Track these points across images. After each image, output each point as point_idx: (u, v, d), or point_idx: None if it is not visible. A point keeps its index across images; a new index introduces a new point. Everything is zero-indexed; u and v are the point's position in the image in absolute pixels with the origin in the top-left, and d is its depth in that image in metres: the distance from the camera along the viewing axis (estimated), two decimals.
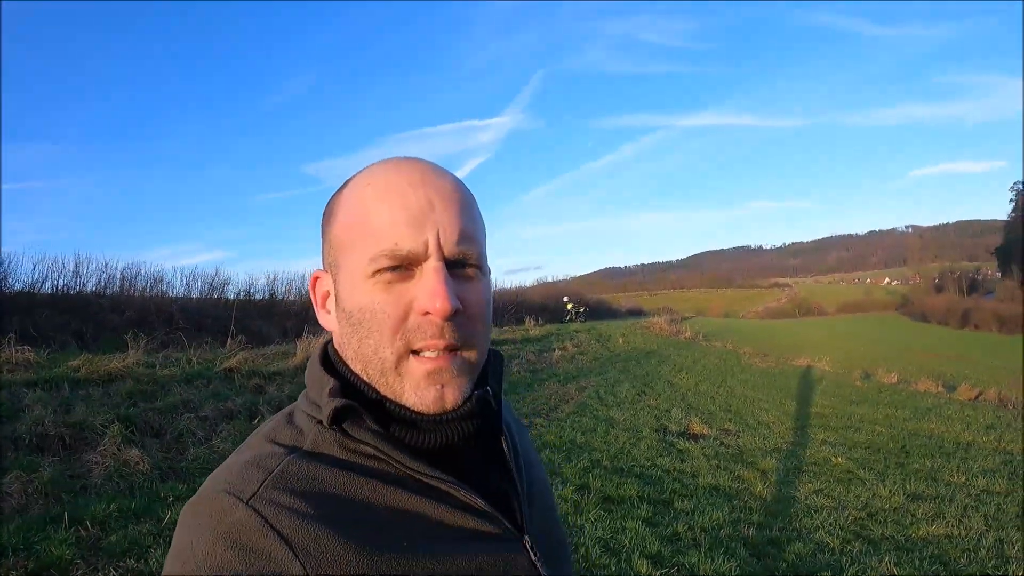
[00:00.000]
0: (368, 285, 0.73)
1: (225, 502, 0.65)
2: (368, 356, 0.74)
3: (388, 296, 0.72)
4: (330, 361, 0.81)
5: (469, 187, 0.82)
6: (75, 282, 12.86)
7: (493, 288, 0.80)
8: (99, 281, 13.44)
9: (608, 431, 8.63)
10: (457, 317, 0.73)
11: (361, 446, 0.72)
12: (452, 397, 0.74)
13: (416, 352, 0.73)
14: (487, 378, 0.84)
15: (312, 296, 0.84)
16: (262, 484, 0.66)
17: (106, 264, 13.68)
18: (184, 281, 15.58)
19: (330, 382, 0.74)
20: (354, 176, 0.80)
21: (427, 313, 0.72)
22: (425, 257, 0.73)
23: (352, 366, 0.77)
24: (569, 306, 34.85)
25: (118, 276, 13.83)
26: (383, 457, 0.72)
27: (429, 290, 0.71)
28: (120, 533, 4.14)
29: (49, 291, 12.25)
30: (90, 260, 13.32)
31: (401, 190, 0.74)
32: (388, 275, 0.72)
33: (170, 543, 0.67)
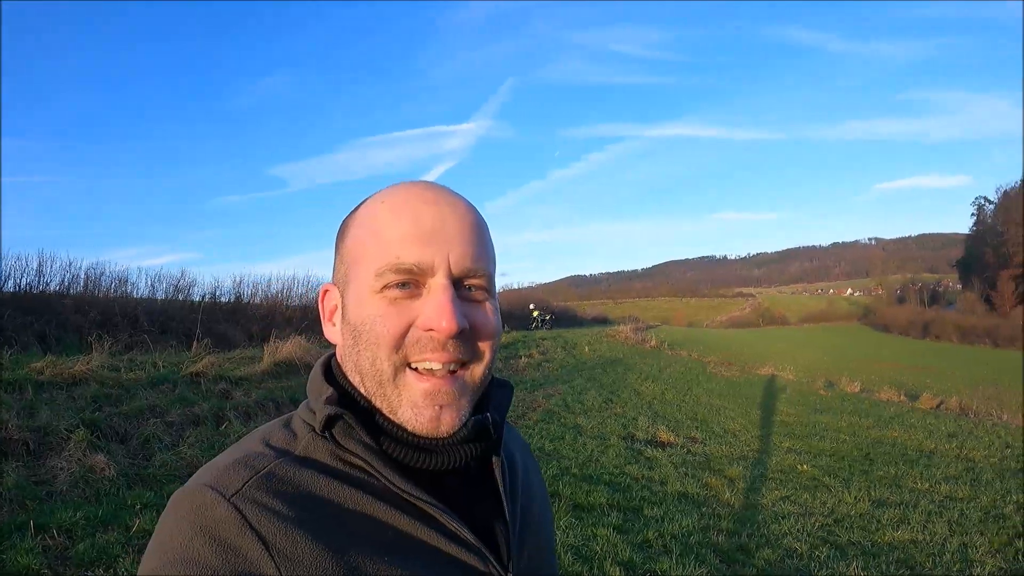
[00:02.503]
0: (374, 299, 0.73)
1: (207, 497, 0.65)
2: (365, 368, 0.74)
3: (391, 310, 0.72)
4: (332, 373, 0.81)
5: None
6: (38, 281, 12.57)
7: None
8: (63, 280, 13.15)
9: (576, 438, 8.65)
10: (462, 336, 0.73)
11: (351, 457, 0.73)
12: (449, 420, 0.73)
13: (414, 367, 0.73)
14: (487, 406, 0.82)
15: (320, 309, 0.85)
16: (246, 483, 0.67)
17: (70, 263, 13.37)
18: (149, 282, 15.24)
19: (328, 390, 0.75)
20: (371, 195, 0.81)
21: (430, 330, 0.71)
22: (432, 274, 0.73)
23: (351, 379, 0.78)
24: (535, 313, 35.20)
25: (82, 276, 13.52)
26: (371, 471, 0.72)
27: (435, 307, 0.71)
28: (87, 542, 4.04)
29: (11, 290, 11.96)
30: (54, 259, 13.01)
31: (414, 207, 0.75)
32: (395, 291, 0.73)
33: (140, 551, 0.67)
